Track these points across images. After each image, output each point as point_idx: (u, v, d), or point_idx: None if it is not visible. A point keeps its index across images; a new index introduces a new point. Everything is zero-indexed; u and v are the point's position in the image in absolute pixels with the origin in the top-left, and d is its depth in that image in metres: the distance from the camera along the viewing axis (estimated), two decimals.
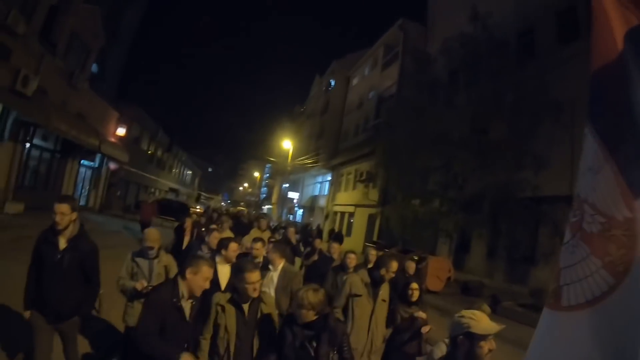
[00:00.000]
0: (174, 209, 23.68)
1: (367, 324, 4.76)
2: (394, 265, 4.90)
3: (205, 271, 3.27)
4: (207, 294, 3.71)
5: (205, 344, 3.45)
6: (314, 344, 3.16)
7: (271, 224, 19.44)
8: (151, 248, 4.69)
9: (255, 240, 5.85)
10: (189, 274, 3.28)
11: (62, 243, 3.74)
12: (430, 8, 30.66)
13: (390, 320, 5.08)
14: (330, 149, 43.58)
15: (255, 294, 3.45)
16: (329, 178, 43.41)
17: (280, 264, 5.28)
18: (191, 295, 3.30)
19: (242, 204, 74.84)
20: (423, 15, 31.97)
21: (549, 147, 15.28)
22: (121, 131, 25.75)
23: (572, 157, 14.67)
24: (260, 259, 5.52)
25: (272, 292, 5.02)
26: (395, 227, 20.97)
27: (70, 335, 3.98)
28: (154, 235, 4.77)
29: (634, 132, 1.82)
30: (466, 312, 2.57)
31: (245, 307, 3.46)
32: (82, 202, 23.04)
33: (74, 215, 3.78)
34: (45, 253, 3.77)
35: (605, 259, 1.77)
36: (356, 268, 6.08)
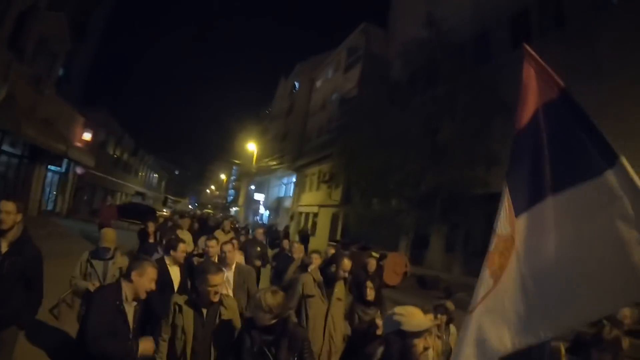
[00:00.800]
0: (140, 212, 24.12)
1: (323, 324, 4.66)
2: (346, 263, 4.84)
3: (150, 272, 3.28)
4: (160, 295, 3.74)
5: (163, 345, 3.37)
6: (273, 350, 3.09)
7: (238, 226, 20.11)
8: (107, 249, 4.67)
9: (209, 238, 5.87)
10: (134, 276, 3.27)
11: (4, 246, 3.54)
12: (392, 12, 31.63)
13: (349, 320, 5.09)
14: (294, 150, 44.35)
15: (215, 298, 3.37)
16: (294, 179, 44.06)
17: (234, 262, 5.36)
18: (135, 298, 3.28)
19: (209, 206, 74.78)
20: (386, 19, 32.94)
21: (501, 145, 15.65)
22: (87, 136, 25.97)
23: None
24: (215, 258, 5.48)
25: (230, 292, 5.04)
26: (354, 225, 21.99)
27: (5, 346, 3.73)
28: (110, 235, 4.75)
29: (521, 170, 2.33)
30: (398, 309, 2.58)
31: (204, 308, 3.40)
32: (49, 207, 23.26)
33: (19, 217, 3.60)
34: None
35: (491, 268, 2.17)
36: None
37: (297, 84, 49.12)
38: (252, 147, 48.36)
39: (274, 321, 3.09)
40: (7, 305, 3.52)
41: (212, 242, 5.66)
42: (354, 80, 33.76)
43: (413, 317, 2.47)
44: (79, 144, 24.43)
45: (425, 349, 2.50)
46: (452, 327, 4.67)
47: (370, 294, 5.15)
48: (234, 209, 69.01)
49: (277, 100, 57.12)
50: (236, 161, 60.22)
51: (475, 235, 17.89)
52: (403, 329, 2.41)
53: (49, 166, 22.42)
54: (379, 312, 5.11)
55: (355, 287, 5.41)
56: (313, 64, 45.97)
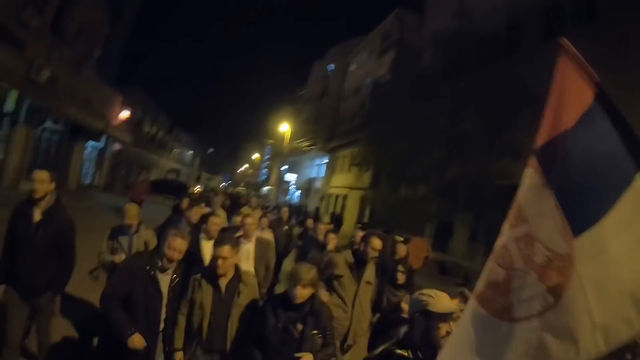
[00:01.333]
0: (173, 188, 25.24)
1: (351, 305, 4.65)
2: (377, 243, 4.79)
3: (179, 244, 3.34)
4: (190, 270, 3.79)
5: (182, 320, 3.42)
6: (299, 327, 3.07)
7: (269, 205, 20.56)
8: (130, 225, 4.74)
9: (246, 216, 5.79)
10: (164, 247, 3.36)
11: (37, 215, 3.68)
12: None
13: (376, 303, 5.05)
14: (327, 132, 44.23)
15: (220, 270, 3.37)
16: (326, 161, 44.22)
17: (254, 234, 5.42)
18: (168, 267, 3.38)
19: (242, 184, 75.99)
20: (422, 5, 32.02)
21: (527, 137, 16.00)
22: (125, 114, 27.06)
23: None
24: (253, 238, 5.50)
25: (251, 264, 5.16)
26: (380, 209, 22.27)
27: (43, 312, 3.89)
28: (132, 211, 4.80)
29: (578, 189, 2.17)
30: (426, 291, 2.59)
31: (222, 284, 3.39)
32: (87, 181, 24.46)
33: (52, 186, 3.74)
34: (19, 226, 3.72)
35: (548, 284, 2.14)
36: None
37: (332, 67, 48.84)
38: (285, 127, 48.59)
39: (307, 297, 3.09)
40: (42, 272, 3.67)
41: (239, 218, 5.85)
42: (387, 66, 33.46)
43: (440, 299, 2.50)
44: (116, 122, 25.43)
45: (448, 333, 2.44)
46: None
47: (401, 278, 5.20)
48: (266, 188, 69.82)
49: (311, 83, 57.08)
50: (270, 140, 60.75)
51: (498, 226, 18.07)
52: (429, 309, 2.44)
53: (89, 142, 23.54)
54: (407, 295, 4.96)
55: (383, 271, 5.27)
56: (348, 48, 45.61)
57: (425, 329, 2.44)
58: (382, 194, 21.74)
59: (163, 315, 3.35)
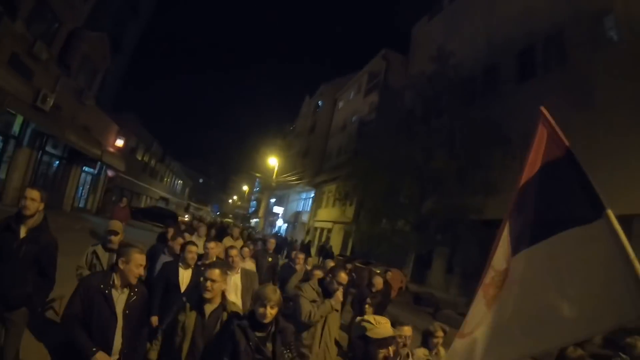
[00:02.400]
0: (163, 216, 26.27)
1: (320, 332, 4.81)
2: (342, 276, 4.98)
3: (137, 258, 3.29)
4: (165, 295, 4.44)
5: (161, 337, 3.47)
6: (269, 346, 3.16)
7: (258, 237, 21.18)
8: (114, 232, 4.86)
9: (209, 240, 6.02)
10: (120, 264, 3.29)
11: (23, 232, 3.75)
12: (412, 40, 32.80)
13: (349, 334, 5.22)
14: (314, 167, 45.20)
15: (208, 294, 3.39)
16: (312, 195, 45.18)
17: (239, 265, 5.53)
18: (125, 285, 3.30)
19: (230, 216, 76.54)
20: (407, 46, 33.93)
21: (499, 175, 16.59)
22: (120, 142, 28.22)
23: None
24: (214, 259, 5.48)
25: (239, 296, 5.30)
26: (361, 243, 23.25)
27: (15, 327, 3.86)
28: (116, 226, 4.92)
29: (524, 214, 2.56)
30: (369, 317, 2.72)
31: (207, 310, 3.41)
32: (81, 204, 25.36)
33: (41, 206, 3.83)
34: (3, 240, 3.74)
35: (486, 297, 2.39)
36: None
37: (320, 104, 50.45)
38: (273, 161, 49.71)
39: (273, 317, 3.17)
40: (20, 287, 3.67)
41: (212, 244, 5.75)
42: (371, 105, 35.09)
43: (379, 325, 2.60)
44: (111, 149, 26.63)
45: (385, 357, 2.57)
46: (442, 350, 4.73)
47: (368, 311, 5.41)
48: (254, 220, 70.30)
49: (301, 118, 58.53)
50: (257, 174, 61.76)
51: (471, 259, 18.65)
52: (367, 335, 2.57)
53: (84, 167, 24.71)
54: None
55: (358, 302, 5.68)
56: (337, 85, 47.19)
57: (364, 353, 2.60)
58: (363, 227, 22.57)
59: (118, 335, 3.24)
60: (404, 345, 4.23)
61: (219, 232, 16.40)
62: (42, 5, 15.51)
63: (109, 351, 3.18)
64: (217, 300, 3.47)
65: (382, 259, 21.24)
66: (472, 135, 17.60)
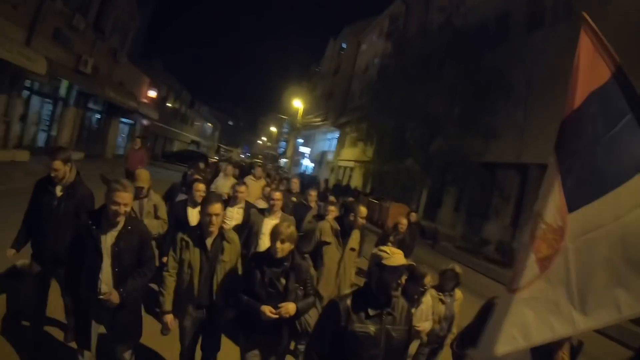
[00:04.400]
0: (195, 158, 28.51)
1: (336, 271, 4.80)
2: (363, 210, 5.00)
3: (122, 197, 3.13)
4: (173, 232, 4.23)
5: (169, 280, 3.50)
6: (283, 281, 3.24)
7: (287, 176, 20.72)
8: (141, 188, 4.84)
9: (239, 184, 5.88)
10: (105, 200, 3.19)
11: (59, 191, 3.84)
12: None
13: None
14: (339, 108, 45.83)
15: (213, 228, 3.46)
16: (337, 135, 46.21)
17: (242, 201, 5.55)
18: (112, 223, 3.22)
19: (260, 157, 78.18)
20: None
21: (502, 120, 17.69)
22: (152, 93, 30.49)
23: (523, 131, 17.35)
24: (243, 204, 5.60)
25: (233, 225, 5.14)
26: (378, 181, 24.74)
27: (60, 280, 3.91)
28: (144, 175, 4.95)
29: (579, 165, 2.22)
30: (384, 247, 2.77)
31: (208, 242, 3.48)
32: (120, 152, 27.81)
33: (68, 167, 3.85)
34: (42, 200, 3.87)
35: (537, 255, 2.18)
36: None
37: (344, 46, 50.56)
38: (297, 103, 50.80)
39: (287, 252, 3.25)
40: (63, 244, 3.61)
41: (242, 188, 5.72)
42: (392, 48, 35.19)
43: (393, 255, 2.64)
44: (145, 100, 28.86)
45: (398, 284, 2.64)
46: (458, 292, 4.63)
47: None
48: (283, 160, 71.28)
49: (326, 60, 58.45)
50: (283, 116, 62.98)
51: (473, 198, 20.24)
52: (382, 263, 2.61)
53: (122, 119, 27.32)
54: None
55: (381, 242, 5.37)
56: (360, 28, 47.01)
57: (378, 279, 2.64)
58: (378, 166, 24.07)
59: (105, 273, 3.20)
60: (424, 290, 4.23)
61: (243, 172, 16.11)
62: None
63: (95, 289, 3.17)
64: (216, 232, 3.54)
65: (394, 197, 22.57)
66: (476, 81, 18.28)
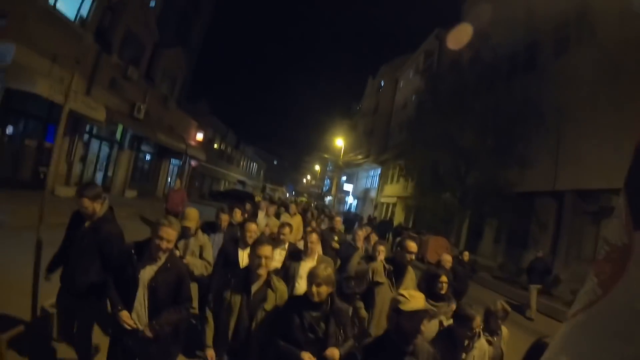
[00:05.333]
0: (241, 197, 29.81)
1: (388, 312, 4.03)
2: (411, 245, 4.86)
3: (167, 233, 3.23)
4: (223, 271, 4.21)
5: (211, 316, 3.43)
6: (323, 325, 3.13)
7: (332, 214, 21.74)
8: (189, 227, 4.81)
9: (283, 225, 5.52)
10: (152, 235, 3.28)
11: (87, 224, 3.86)
12: (463, 18, 32.27)
13: None
14: (380, 145, 46.98)
15: (262, 271, 3.35)
16: (379, 172, 46.96)
17: (317, 251, 4.98)
18: (154, 257, 3.29)
19: (305, 195, 79.44)
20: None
21: (537, 149, 17.91)
22: (200, 136, 32.29)
23: (557, 158, 17.48)
24: (286, 245, 5.30)
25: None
26: (419, 215, 25.01)
27: (84, 316, 3.94)
28: (193, 214, 4.91)
29: None
30: (404, 291, 2.71)
31: (254, 288, 3.36)
32: None
33: (97, 203, 3.85)
34: (72, 233, 3.93)
35: (600, 277, 1.91)
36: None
37: (382, 84, 51.82)
38: (340, 142, 51.73)
39: (325, 296, 3.15)
40: (84, 276, 3.73)
41: (286, 230, 5.45)
42: (429, 83, 36.12)
43: (412, 298, 2.56)
44: (193, 142, 30.64)
45: (417, 331, 2.54)
46: (504, 329, 4.42)
47: (444, 288, 4.90)
48: (328, 198, 72.43)
49: (365, 98, 60.10)
50: (326, 155, 64.05)
51: (511, 228, 20.29)
52: (399, 307, 2.55)
53: (172, 160, 29.24)
54: (449, 306, 4.82)
55: (425, 282, 5.14)
56: (396, 65, 48.54)
57: (395, 325, 2.59)
58: (414, 200, 24.66)
59: (138, 304, 3.26)
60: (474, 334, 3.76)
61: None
62: (128, 37, 19.25)
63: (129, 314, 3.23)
64: (263, 278, 3.41)
65: (439, 232, 22.62)
66: (508, 111, 18.60)
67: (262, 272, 3.36)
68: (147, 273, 3.26)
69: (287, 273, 4.67)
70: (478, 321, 3.72)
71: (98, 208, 3.87)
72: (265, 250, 3.36)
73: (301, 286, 4.30)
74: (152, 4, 23.99)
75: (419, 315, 2.57)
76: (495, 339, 4.15)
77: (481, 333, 3.83)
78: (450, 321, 3.87)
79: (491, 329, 4.18)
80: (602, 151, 14.31)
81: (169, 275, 3.31)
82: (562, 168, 17.20)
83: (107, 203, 4.01)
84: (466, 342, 3.68)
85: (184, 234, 4.73)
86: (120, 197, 20.54)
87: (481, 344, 3.79)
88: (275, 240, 5.19)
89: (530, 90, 18.58)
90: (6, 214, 9.76)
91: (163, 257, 3.31)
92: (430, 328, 3.77)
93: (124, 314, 3.19)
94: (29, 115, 14.42)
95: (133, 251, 3.30)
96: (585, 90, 15.89)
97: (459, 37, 29.97)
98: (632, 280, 1.74)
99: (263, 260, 3.33)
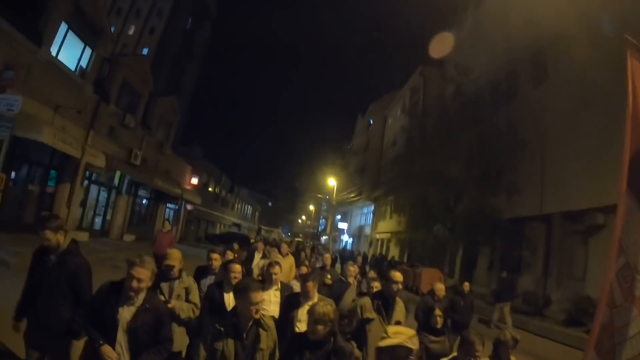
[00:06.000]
0: (236, 240, 30.15)
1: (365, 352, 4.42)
2: (396, 275, 4.77)
3: (139, 273, 3.18)
4: (209, 317, 3.98)
5: None
6: None
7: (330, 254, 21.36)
8: (171, 267, 4.58)
9: (272, 264, 5.27)
10: (127, 277, 3.22)
11: (53, 259, 3.76)
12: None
13: None
14: (372, 182, 47.20)
15: (257, 315, 3.19)
16: (372, 209, 47.51)
17: (315, 294, 4.74)
18: (131, 299, 3.23)
19: (300, 235, 79.41)
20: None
21: (523, 176, 18.34)
22: (195, 180, 33.04)
23: (542, 182, 18.11)
24: (278, 285, 5.13)
25: (276, 311, 4.88)
26: (412, 249, 25.27)
27: (55, 356, 3.81)
28: (175, 255, 4.69)
29: None
30: (391, 328, 2.77)
31: (245, 331, 3.18)
32: None
33: (60, 235, 3.77)
34: (37, 270, 3.80)
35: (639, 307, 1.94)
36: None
37: (371, 122, 52.91)
38: (332, 182, 52.49)
39: (324, 334, 3.05)
40: (55, 315, 3.63)
41: (276, 269, 5.14)
42: (415, 118, 36.89)
43: (394, 334, 2.52)
44: (188, 187, 31.35)
45: None
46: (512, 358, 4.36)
47: (439, 322, 4.85)
48: (324, 237, 72.08)
49: (356, 136, 61.19)
50: (319, 195, 64.55)
51: (503, 254, 20.68)
52: (379, 345, 2.54)
53: (168, 204, 29.81)
54: (446, 340, 4.82)
55: (422, 313, 5.04)
56: (384, 103, 49.55)
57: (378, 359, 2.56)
58: (410, 235, 24.91)
59: (119, 346, 3.19)
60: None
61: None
62: (125, 87, 20.19)
63: None
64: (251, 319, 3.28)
65: (428, 262, 23.27)
66: (492, 141, 19.18)
67: (257, 317, 3.22)
68: (125, 314, 3.22)
69: (285, 314, 4.60)
70: (479, 346, 3.61)
71: (62, 240, 3.80)
72: (258, 296, 3.16)
73: (301, 328, 4.16)
74: (145, 51, 25.25)
75: (399, 351, 2.48)
76: None
77: (479, 357, 3.68)
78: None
79: (501, 359, 4.14)
80: (586, 172, 14.99)
81: (148, 316, 3.29)
82: (548, 192, 17.81)
83: (70, 236, 3.95)
84: None
85: (167, 275, 4.56)
86: (119, 240, 21.03)
87: None
88: (264, 281, 5.10)
89: (513, 118, 19.37)
90: (10, 255, 10.21)
91: (140, 298, 3.28)
92: None
93: (107, 348, 3.12)
94: (32, 162, 15.08)
95: (109, 291, 3.27)
96: (566, 115, 16.66)
97: (443, 70, 31.12)
98: None
99: (256, 307, 3.17)
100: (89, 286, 3.81)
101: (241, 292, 3.17)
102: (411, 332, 2.59)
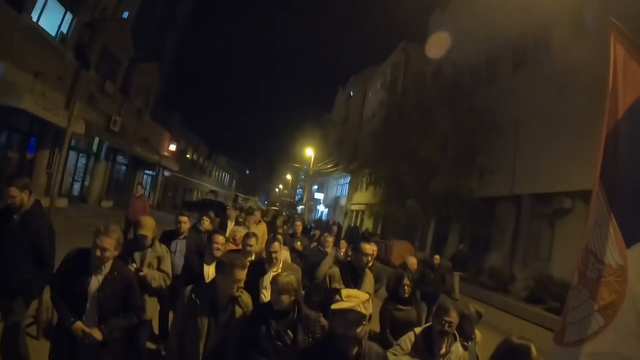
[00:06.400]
0: (212, 207, 30.42)
1: None
2: (366, 247, 4.74)
3: (104, 241, 3.10)
4: (187, 285, 3.61)
5: (175, 336, 3.21)
6: (291, 334, 3.02)
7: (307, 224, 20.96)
8: (144, 236, 4.43)
9: (248, 235, 5.18)
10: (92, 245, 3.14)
11: (16, 219, 3.70)
12: (429, 31, 33.25)
13: (381, 322, 4.85)
14: (349, 154, 47.56)
15: (237, 293, 3.19)
16: (348, 180, 47.98)
17: (281, 260, 4.72)
18: (99, 267, 3.18)
19: (277, 204, 79.99)
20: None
21: (496, 157, 18.87)
22: (173, 147, 33.12)
23: (514, 164, 18.64)
24: (253, 257, 4.99)
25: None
26: (383, 222, 25.87)
27: (15, 315, 3.71)
28: (149, 223, 4.52)
29: (631, 190, 2.02)
30: (344, 291, 2.60)
31: (221, 308, 3.17)
32: None
33: (25, 194, 3.70)
34: (1, 228, 3.71)
35: (599, 303, 1.97)
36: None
37: (352, 94, 52.85)
38: (310, 152, 53.09)
39: (288, 303, 3.03)
40: (17, 275, 3.57)
41: (252, 241, 5.04)
42: (394, 95, 36.49)
43: (347, 297, 2.48)
44: (166, 154, 31.40)
45: (349, 330, 2.38)
46: (477, 333, 4.42)
47: (407, 291, 4.86)
48: (300, 207, 72.34)
49: (336, 108, 61.12)
50: (296, 164, 64.70)
51: (473, 232, 20.82)
52: (332, 308, 2.48)
53: (146, 170, 29.95)
54: (413, 310, 4.93)
55: (393, 283, 5.09)
56: (365, 76, 49.40)
57: (331, 326, 2.59)
58: (383, 208, 25.54)
59: (89, 315, 3.15)
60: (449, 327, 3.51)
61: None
62: (105, 53, 20.07)
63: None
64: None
65: (400, 236, 23.86)
66: (468, 123, 19.72)
67: (237, 293, 3.22)
68: (93, 283, 3.16)
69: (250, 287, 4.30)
70: (454, 315, 3.54)
71: (26, 199, 3.72)
72: (242, 274, 3.18)
73: (266, 297, 4.09)
74: (126, 15, 24.91)
75: (349, 315, 2.42)
76: (470, 343, 4.13)
77: (457, 336, 3.68)
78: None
79: (465, 333, 4.12)
80: (556, 158, 15.57)
81: (116, 284, 3.23)
82: (520, 174, 18.42)
83: (35, 196, 3.87)
84: (443, 350, 3.54)
85: (140, 244, 4.44)
86: (97, 206, 21.27)
87: (457, 349, 3.66)
88: (239, 252, 4.95)
89: (490, 101, 19.79)
90: None
91: (107, 266, 3.22)
92: (457, 352, 3.65)
93: (79, 325, 3.07)
94: (11, 129, 15.12)
95: (79, 260, 3.21)
96: (541, 101, 17.14)
97: (429, 49, 31.21)
98: (629, 311, 1.88)
99: (237, 285, 3.18)
100: (51, 248, 3.80)
101: (226, 268, 3.14)
102: (365, 296, 2.55)
